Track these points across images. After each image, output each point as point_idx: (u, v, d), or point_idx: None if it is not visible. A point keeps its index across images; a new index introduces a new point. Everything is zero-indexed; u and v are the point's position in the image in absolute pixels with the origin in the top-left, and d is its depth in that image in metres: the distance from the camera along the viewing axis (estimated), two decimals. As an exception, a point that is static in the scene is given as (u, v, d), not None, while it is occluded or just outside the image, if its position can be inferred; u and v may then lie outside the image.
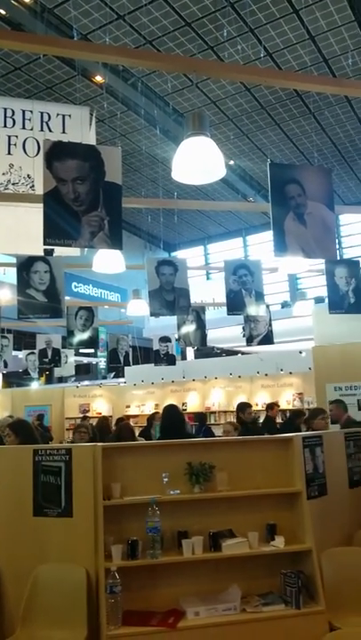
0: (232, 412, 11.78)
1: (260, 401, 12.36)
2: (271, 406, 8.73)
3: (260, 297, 6.66)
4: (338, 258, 14.32)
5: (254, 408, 12.31)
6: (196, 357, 16.40)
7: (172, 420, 5.15)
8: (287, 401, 11.96)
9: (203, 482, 3.46)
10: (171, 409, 5.39)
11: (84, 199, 3.06)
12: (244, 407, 6.75)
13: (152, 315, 6.55)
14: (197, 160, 3.41)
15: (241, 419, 6.53)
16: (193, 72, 3.54)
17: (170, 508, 3.38)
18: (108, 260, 5.83)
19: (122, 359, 11.54)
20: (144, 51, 8.22)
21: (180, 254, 19.59)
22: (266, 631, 3.10)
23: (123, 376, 14.70)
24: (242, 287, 6.62)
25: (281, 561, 3.38)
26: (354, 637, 2.24)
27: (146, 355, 13.55)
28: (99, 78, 10.60)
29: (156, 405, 12.96)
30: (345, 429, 4.74)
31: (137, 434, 9.12)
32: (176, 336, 9.50)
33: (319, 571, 3.27)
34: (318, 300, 11.84)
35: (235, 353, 14.99)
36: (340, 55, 10.11)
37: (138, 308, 8.27)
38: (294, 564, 3.39)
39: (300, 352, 11.09)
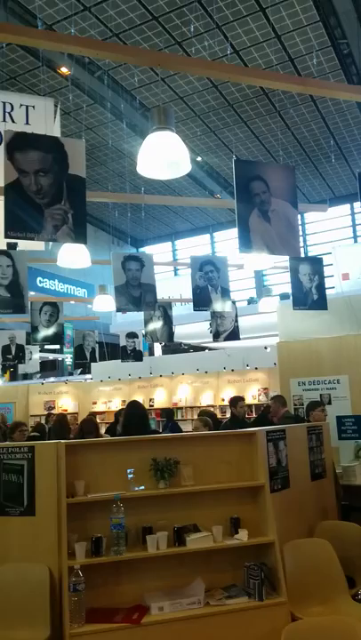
0: (199, 407, 11.85)
1: (226, 396, 12.47)
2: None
3: (226, 293, 6.70)
4: (302, 255, 14.54)
5: (220, 403, 12.44)
6: (163, 353, 16.40)
7: (134, 417, 5.09)
8: (253, 396, 12.10)
9: (168, 477, 3.46)
10: (133, 405, 5.31)
11: (46, 192, 3.01)
12: (236, 401, 6.42)
13: (118, 310, 6.51)
14: (163, 154, 3.40)
15: (233, 413, 6.27)
16: (158, 66, 3.52)
17: (134, 505, 3.37)
18: (73, 255, 5.77)
19: (88, 355, 11.46)
20: (109, 42, 8.13)
21: (147, 250, 19.53)
22: (229, 623, 3.13)
23: (89, 372, 14.57)
24: (208, 283, 6.64)
25: (245, 554, 3.41)
26: (314, 627, 2.28)
27: (113, 351, 13.46)
28: (64, 70, 10.43)
29: (123, 402, 12.90)
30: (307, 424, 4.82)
31: (104, 430, 9.08)
32: (143, 332, 9.48)
33: (282, 562, 3.32)
34: (284, 297, 12.00)
35: (202, 349, 15.06)
36: (306, 55, 10.22)
37: (104, 303, 8.21)
38: (257, 556, 3.43)
39: (266, 348, 11.22)
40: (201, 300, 6.55)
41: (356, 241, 16.77)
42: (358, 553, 3.69)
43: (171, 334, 8.89)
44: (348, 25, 9.35)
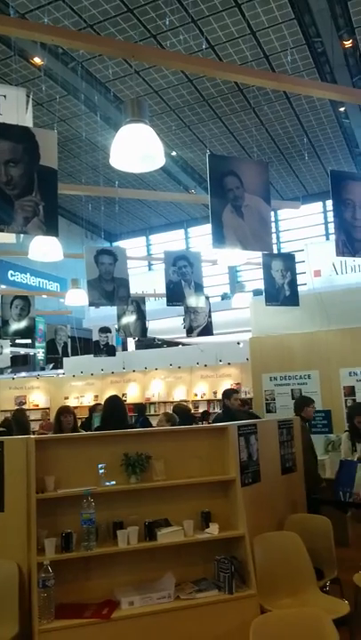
0: (172, 402, 11.86)
1: (198, 391, 12.52)
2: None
3: (199, 288, 6.71)
4: (275, 252, 14.64)
5: (193, 398, 12.47)
6: (137, 348, 16.36)
7: (114, 411, 5.10)
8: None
9: (139, 472, 3.45)
10: (113, 399, 5.33)
11: (17, 183, 2.95)
12: (230, 393, 6.15)
13: (91, 305, 6.46)
14: (136, 147, 3.36)
15: (227, 406, 5.99)
16: (132, 57, 3.49)
17: (105, 500, 3.35)
18: (45, 248, 5.68)
19: (60, 350, 11.34)
20: (82, 33, 8.03)
21: (121, 244, 19.41)
22: (199, 617, 3.15)
23: (61, 367, 14.45)
24: (182, 278, 6.64)
25: (215, 547, 3.44)
26: (282, 619, 2.31)
27: (85, 346, 13.36)
28: (37, 60, 10.25)
29: (96, 397, 12.85)
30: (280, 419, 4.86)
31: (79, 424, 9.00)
32: (116, 327, 9.43)
33: (251, 556, 3.35)
34: (257, 293, 12.06)
35: (175, 344, 15.07)
36: (280, 52, 10.27)
37: (77, 297, 8.12)
38: (228, 549, 3.45)
39: (238, 343, 11.29)
40: (174, 295, 6.55)
41: (328, 238, 16.98)
42: (326, 545, 3.75)
43: (144, 329, 8.85)
44: (322, 24, 9.43)
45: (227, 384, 12.19)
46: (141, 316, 8.75)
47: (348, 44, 9.86)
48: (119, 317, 8.72)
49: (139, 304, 8.72)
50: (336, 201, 3.95)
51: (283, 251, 17.22)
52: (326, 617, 2.17)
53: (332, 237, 3.99)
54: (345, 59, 10.35)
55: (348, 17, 9.35)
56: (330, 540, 3.76)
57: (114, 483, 3.41)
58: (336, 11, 9.17)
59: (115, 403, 5.22)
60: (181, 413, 7.82)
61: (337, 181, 4.02)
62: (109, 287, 6.13)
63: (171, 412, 5.98)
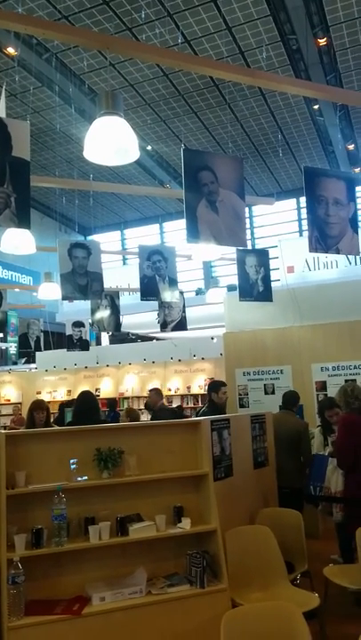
0: (145, 397, 11.84)
1: (172, 386, 12.53)
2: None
3: (173, 283, 6.71)
4: (249, 247, 14.72)
5: (167, 393, 12.47)
6: (111, 343, 16.28)
7: (85, 406, 5.07)
8: (199, 386, 12.20)
9: (111, 467, 3.43)
10: (85, 395, 5.31)
11: (-13, 174, 2.89)
12: (217, 386, 5.47)
13: (64, 298, 6.40)
14: (110, 140, 3.33)
15: (213, 400, 5.37)
16: (107, 49, 3.45)
17: (77, 495, 3.32)
18: (17, 241, 5.59)
19: (33, 344, 11.21)
20: (57, 23, 7.90)
21: (96, 238, 19.25)
22: (171, 612, 3.15)
23: (34, 362, 14.28)
24: (156, 273, 6.63)
25: (187, 542, 3.44)
26: (252, 613, 2.33)
27: (59, 340, 13.24)
28: (11, 50, 10.05)
29: (69, 392, 12.75)
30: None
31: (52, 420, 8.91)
32: (90, 321, 9.36)
33: (223, 550, 3.37)
34: (231, 288, 12.12)
35: (150, 339, 15.04)
36: (256, 49, 10.30)
37: (50, 291, 8.04)
38: (200, 544, 3.46)
39: (212, 338, 11.33)
40: (148, 289, 6.53)
41: (301, 235, 17.16)
42: (297, 539, 3.79)
43: (118, 324, 8.81)
44: (297, 21, 9.48)
45: (200, 379, 12.24)
46: (115, 311, 8.71)
47: (322, 41, 9.94)
48: (93, 312, 8.67)
49: (113, 298, 8.68)
50: (309, 197, 3.99)
51: (257, 247, 17.33)
52: (296, 610, 2.19)
53: (306, 234, 4.03)
54: (319, 57, 10.44)
55: (323, 15, 9.42)
56: (301, 533, 3.80)
57: (86, 478, 3.38)
58: (311, 8, 9.23)
59: (86, 398, 5.21)
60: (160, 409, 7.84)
61: (310, 178, 4.05)
62: (83, 281, 6.07)
63: (144, 406, 6.02)
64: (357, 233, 4.03)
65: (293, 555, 3.75)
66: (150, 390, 6.55)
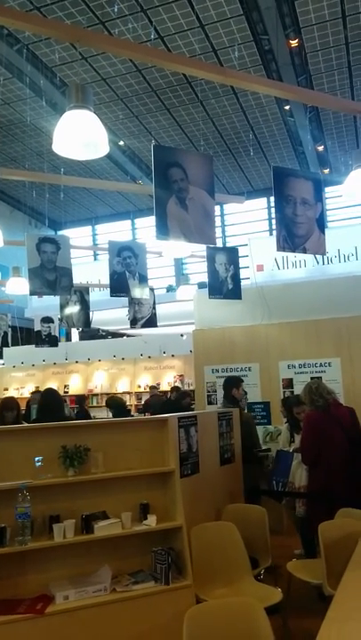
0: (114, 393, 11.78)
1: (142, 383, 12.51)
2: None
3: (143, 279, 6.69)
4: (220, 245, 14.79)
5: (136, 390, 12.44)
6: (81, 339, 16.13)
7: (49, 403, 5.06)
8: (169, 383, 12.22)
9: (77, 465, 3.41)
10: (49, 392, 5.34)
11: None
12: (237, 382, 5.45)
13: (32, 294, 6.31)
14: (79, 134, 3.29)
15: (234, 397, 5.31)
16: (77, 42, 3.40)
17: (42, 493, 3.29)
18: (-17, 235, 5.48)
19: (0, 340, 11.00)
20: (27, 13, 7.75)
21: (67, 233, 19.02)
22: (135, 609, 3.15)
23: (1, 357, 14.04)
24: (126, 269, 6.60)
25: (153, 539, 3.44)
26: (215, 608, 2.34)
27: (27, 335, 13.04)
28: (-20, 39, 9.84)
29: (37, 388, 12.60)
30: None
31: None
32: (59, 317, 9.26)
33: (188, 546, 3.38)
34: (202, 286, 12.16)
35: (120, 335, 14.97)
36: (228, 47, 10.32)
37: (18, 286, 7.90)
38: (166, 541, 3.47)
39: (182, 335, 11.36)
40: (118, 285, 6.50)
41: (271, 234, 17.30)
42: (262, 534, 3.84)
43: (87, 320, 8.73)
44: (269, 21, 9.54)
45: (170, 376, 12.26)
46: (85, 307, 8.63)
47: (294, 43, 10.01)
48: (62, 307, 8.57)
49: (82, 294, 8.59)
50: (278, 197, 4.03)
51: (228, 245, 17.42)
52: (258, 605, 2.21)
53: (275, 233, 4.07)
54: (291, 58, 10.53)
55: (295, 17, 9.50)
56: (265, 529, 3.85)
57: (50, 476, 3.35)
58: (283, 9, 9.30)
59: (51, 395, 5.21)
60: (116, 406, 7.81)
61: (279, 178, 4.09)
62: (51, 276, 6.00)
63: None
64: (324, 233, 4.10)
65: (258, 550, 3.79)
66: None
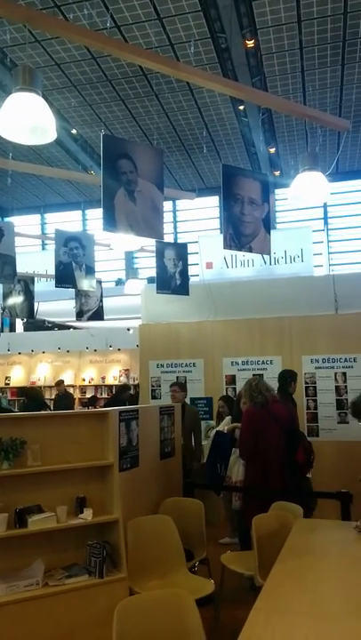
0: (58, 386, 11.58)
1: (87, 376, 12.38)
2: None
3: (90, 271, 6.61)
4: (171, 241, 14.80)
5: (80, 383, 12.29)
6: (25, 330, 15.75)
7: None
8: (114, 377, 12.15)
9: (12, 458, 3.33)
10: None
11: None
12: (295, 377, 5.59)
13: (-28, 281, 6.10)
14: (26, 118, 3.20)
15: (290, 394, 5.38)
16: (27, 22, 3.31)
17: (-25, 486, 3.20)
18: None
19: None
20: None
21: (14, 220, 18.51)
22: (68, 602, 3.13)
23: None
24: (72, 260, 6.50)
25: (89, 533, 3.42)
26: (147, 600, 2.35)
27: (-32, 325, 12.63)
28: None
29: (-23, 379, 12.24)
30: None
31: None
32: (2, 306, 9.01)
33: (124, 539, 3.38)
34: (150, 280, 12.13)
35: (67, 327, 14.73)
36: (185, 42, 10.30)
37: None
38: (102, 534, 3.45)
39: (128, 329, 11.30)
40: (64, 276, 6.40)
41: (221, 232, 17.48)
42: (197, 527, 3.88)
43: (31, 310, 8.54)
44: (226, 20, 9.59)
45: (116, 370, 12.19)
46: (29, 297, 8.44)
47: (250, 43, 10.11)
48: (5, 297, 8.35)
49: (27, 283, 8.40)
50: (226, 195, 4.07)
51: (180, 241, 17.44)
52: (188, 597, 2.24)
53: (225, 231, 4.11)
54: (247, 58, 10.63)
55: (252, 17, 9.59)
56: (201, 522, 3.89)
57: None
58: (241, 9, 9.37)
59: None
60: (33, 397, 7.71)
61: (228, 176, 4.14)
62: (-6, 264, 5.83)
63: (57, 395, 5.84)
64: (269, 233, 4.17)
65: (193, 543, 3.84)
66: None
